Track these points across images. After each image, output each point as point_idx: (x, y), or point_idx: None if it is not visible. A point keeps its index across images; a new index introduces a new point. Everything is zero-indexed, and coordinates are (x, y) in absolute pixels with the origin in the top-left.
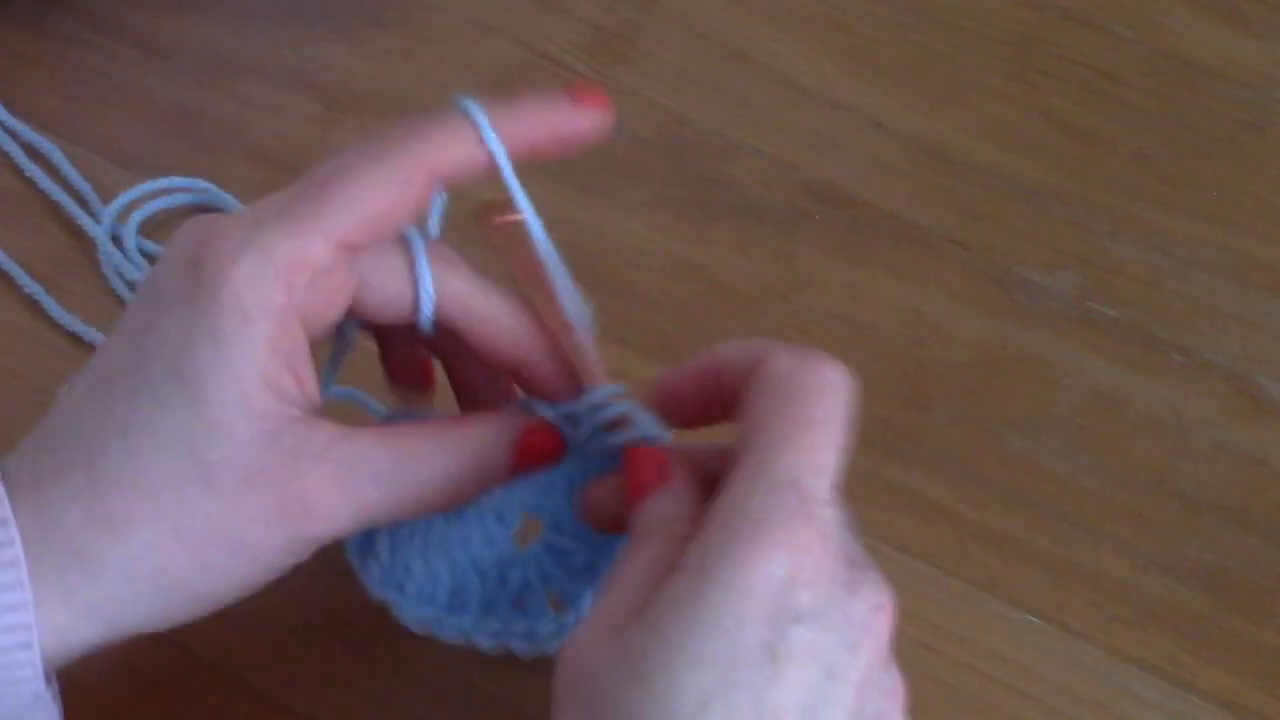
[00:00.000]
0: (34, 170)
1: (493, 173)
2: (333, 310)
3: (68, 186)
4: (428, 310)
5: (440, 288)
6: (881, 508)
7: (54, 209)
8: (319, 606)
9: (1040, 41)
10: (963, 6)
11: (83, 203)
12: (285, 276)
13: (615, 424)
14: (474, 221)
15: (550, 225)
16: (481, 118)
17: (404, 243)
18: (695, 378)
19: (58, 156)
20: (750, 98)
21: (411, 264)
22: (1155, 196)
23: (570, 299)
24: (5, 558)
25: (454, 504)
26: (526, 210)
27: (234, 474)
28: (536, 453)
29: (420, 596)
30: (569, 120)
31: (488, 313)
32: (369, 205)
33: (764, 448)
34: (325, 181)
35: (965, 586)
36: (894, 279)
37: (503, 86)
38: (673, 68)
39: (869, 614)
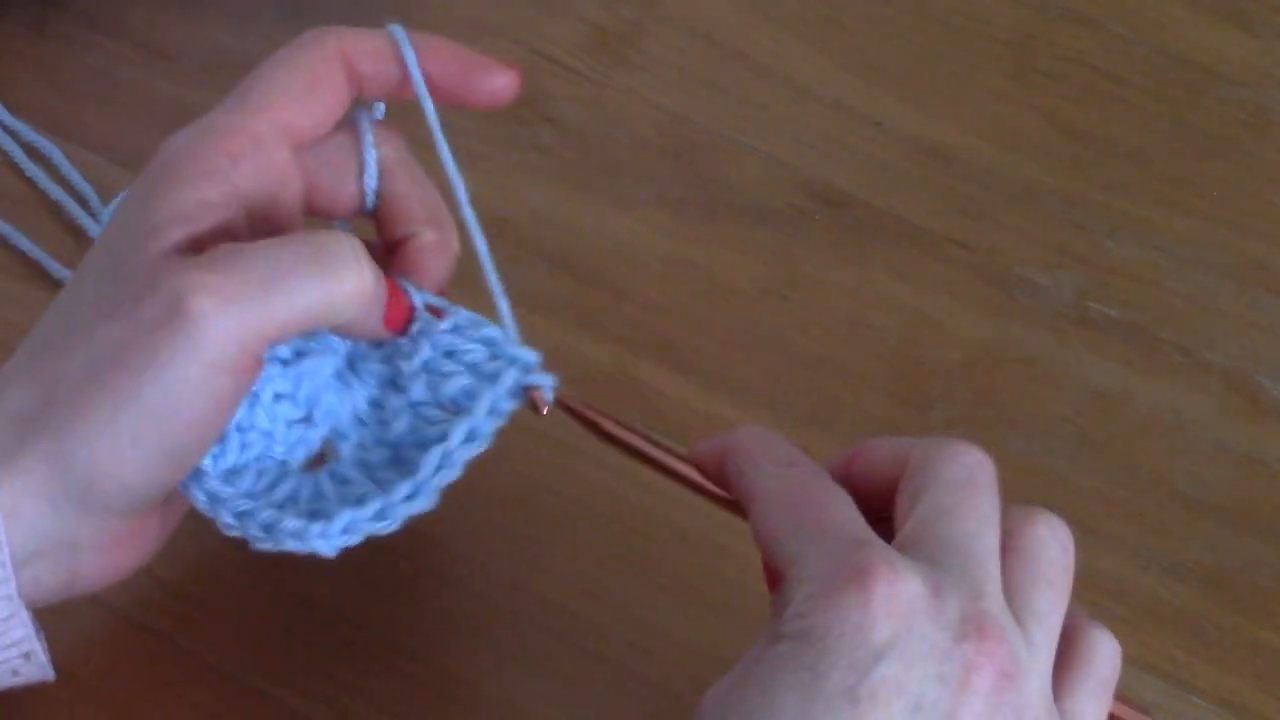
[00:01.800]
0: (34, 170)
1: (408, 89)
2: (283, 196)
3: (68, 186)
4: (373, 180)
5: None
6: None
7: (54, 209)
8: (319, 606)
9: (1040, 41)
10: (963, 6)
11: (83, 203)
12: (223, 141)
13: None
14: None
15: (550, 225)
16: (406, 44)
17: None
18: (715, 454)
19: (58, 156)
20: (750, 98)
21: (358, 145)
22: (1155, 196)
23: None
24: None
25: (340, 318)
26: (434, 124)
27: (128, 296)
28: (401, 322)
29: (216, 471)
30: (480, 71)
31: (407, 184)
32: (298, 85)
33: (788, 527)
34: (254, 73)
35: None
36: (894, 279)
37: None
38: (673, 68)
39: (957, 644)
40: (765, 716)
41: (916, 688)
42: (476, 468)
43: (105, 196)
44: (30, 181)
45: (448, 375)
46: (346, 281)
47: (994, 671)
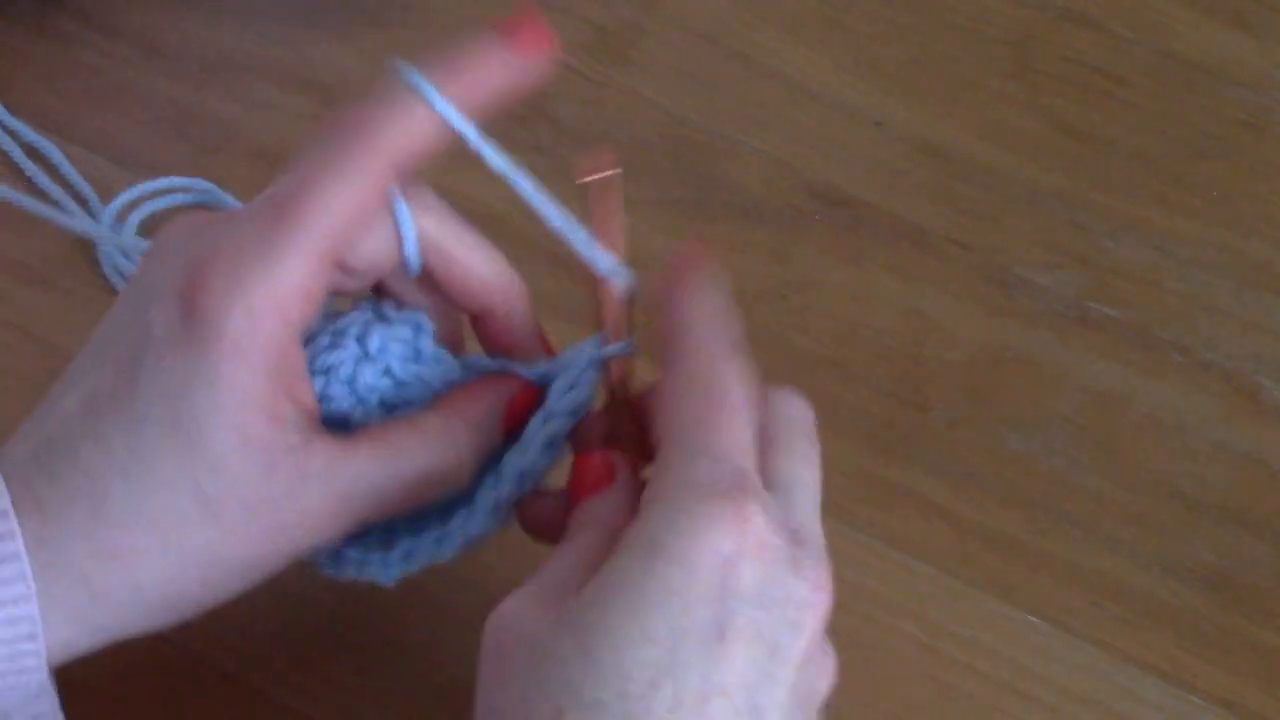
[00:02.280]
0: (34, 170)
1: (454, 140)
2: (319, 304)
3: (68, 186)
4: (413, 247)
5: (419, 231)
6: (881, 508)
7: (53, 209)
8: (319, 607)
9: (1040, 41)
10: (963, 6)
11: (83, 203)
12: (278, 310)
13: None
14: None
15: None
16: (431, 91)
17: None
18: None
19: (58, 156)
20: (750, 98)
21: (392, 216)
22: (1155, 196)
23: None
24: (6, 551)
25: (450, 492)
26: (496, 163)
27: (235, 505)
28: (523, 416)
29: None
30: (511, 68)
31: (459, 252)
32: (341, 216)
33: (690, 430)
34: (295, 201)
35: (965, 586)
36: (894, 279)
37: None
38: (673, 68)
39: (810, 593)
40: (630, 641)
41: (772, 632)
42: None
43: (105, 196)
44: (30, 181)
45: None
46: (453, 471)
47: (822, 616)
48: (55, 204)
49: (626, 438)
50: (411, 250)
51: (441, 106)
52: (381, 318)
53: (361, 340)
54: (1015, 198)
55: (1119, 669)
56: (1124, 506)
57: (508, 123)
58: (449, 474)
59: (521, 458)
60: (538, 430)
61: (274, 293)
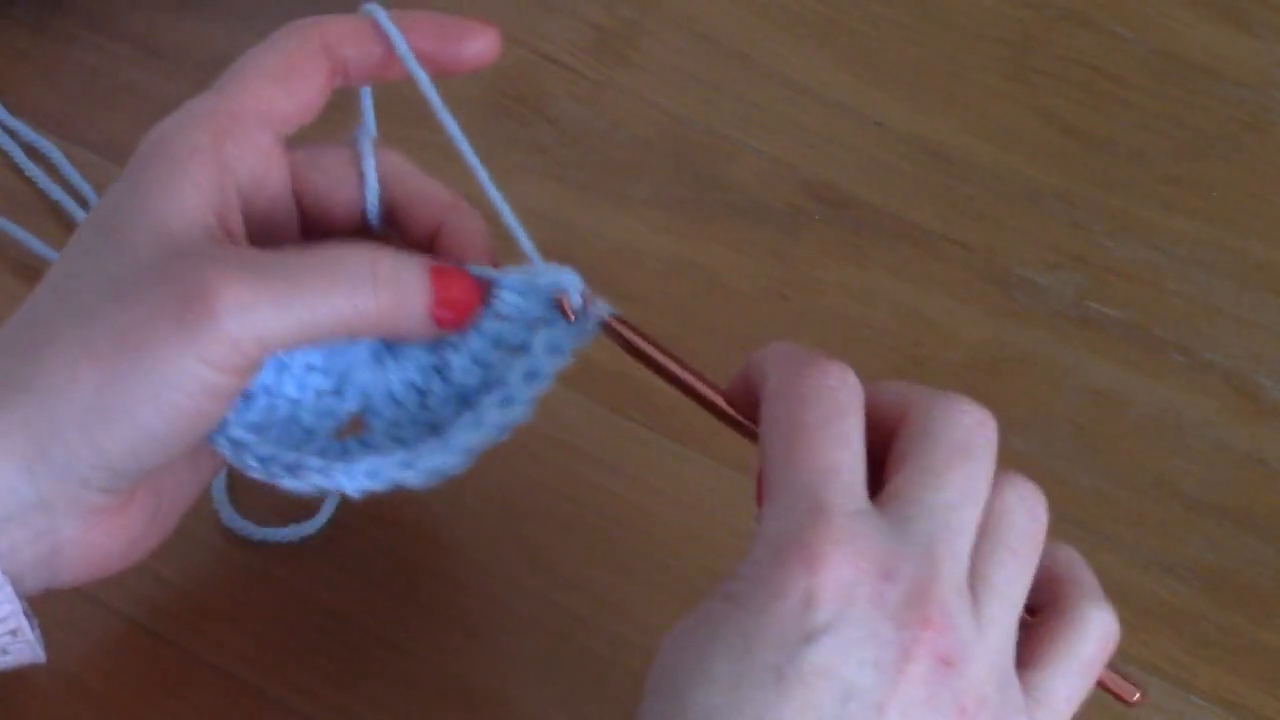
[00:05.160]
0: (34, 170)
1: (393, 66)
2: (268, 182)
3: (68, 186)
4: (374, 191)
5: (380, 169)
6: None
7: (54, 209)
8: (319, 606)
9: (1040, 41)
10: (963, 6)
11: (83, 203)
12: (205, 121)
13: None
14: None
15: (550, 225)
16: (379, 11)
17: (347, 144)
18: (740, 382)
19: (58, 156)
20: (750, 98)
21: (356, 157)
22: (1155, 196)
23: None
24: None
25: (362, 333)
26: (434, 100)
27: (138, 280)
28: (458, 304)
29: (245, 425)
30: (459, 37)
31: (416, 180)
32: (276, 69)
33: (774, 464)
34: (236, 64)
35: None
36: (894, 279)
37: (503, 86)
38: (673, 68)
39: (895, 632)
40: (693, 682)
41: (849, 674)
42: (478, 468)
43: None
44: (30, 181)
45: (496, 363)
46: (361, 301)
47: (933, 658)
48: (55, 204)
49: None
50: (372, 188)
51: (393, 33)
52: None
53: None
54: (1015, 198)
55: (1119, 669)
56: (1124, 506)
57: (508, 123)
58: (353, 318)
59: (506, 411)
60: (519, 380)
61: (202, 107)
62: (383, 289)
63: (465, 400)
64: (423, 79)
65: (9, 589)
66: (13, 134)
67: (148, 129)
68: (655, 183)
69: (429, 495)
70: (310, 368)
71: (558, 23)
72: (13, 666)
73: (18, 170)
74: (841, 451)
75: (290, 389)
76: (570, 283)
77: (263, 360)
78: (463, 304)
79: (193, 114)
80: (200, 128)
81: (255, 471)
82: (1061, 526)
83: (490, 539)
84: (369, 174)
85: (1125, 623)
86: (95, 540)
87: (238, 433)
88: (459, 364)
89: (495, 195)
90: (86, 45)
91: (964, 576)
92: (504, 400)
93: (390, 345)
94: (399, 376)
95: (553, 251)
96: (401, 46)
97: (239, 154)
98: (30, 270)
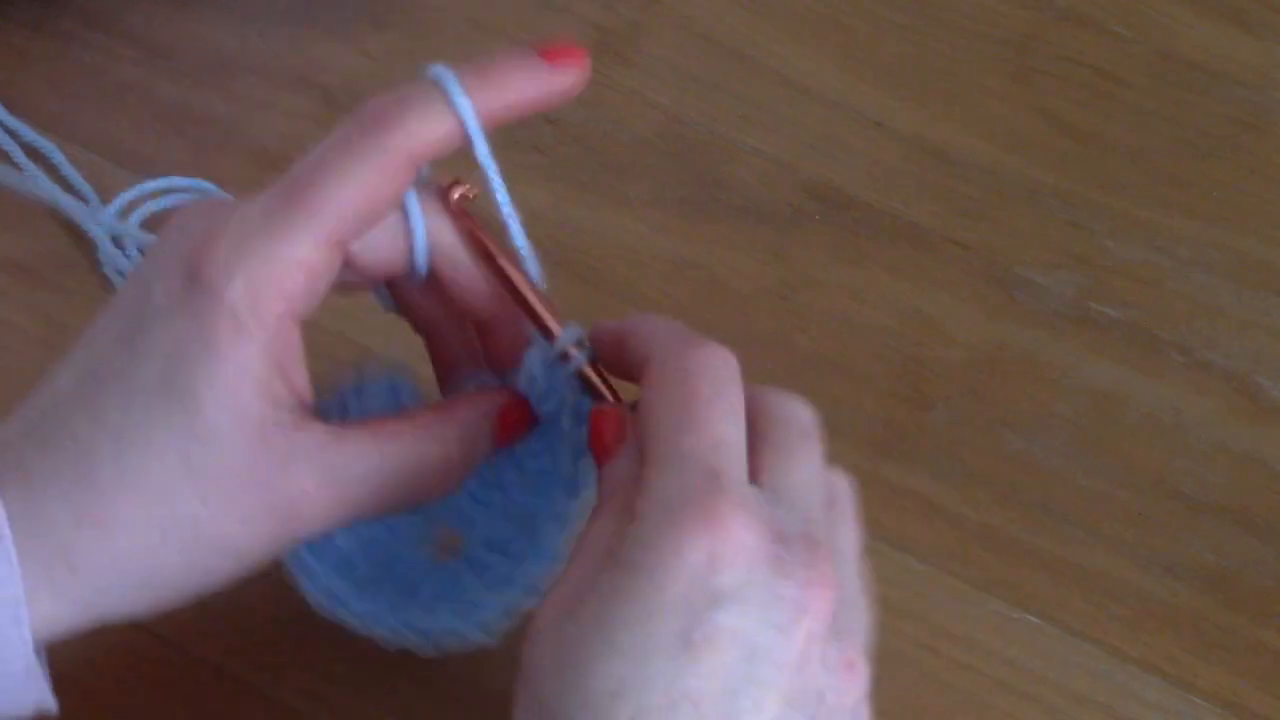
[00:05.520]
0: (34, 170)
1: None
2: (321, 291)
3: (68, 186)
4: (422, 251)
5: (430, 235)
6: (881, 507)
7: (54, 209)
8: None
9: (1040, 41)
10: (963, 6)
11: (83, 202)
12: (280, 284)
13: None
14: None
15: (550, 225)
16: (454, 88)
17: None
18: (616, 340)
19: (58, 156)
20: (750, 98)
21: (404, 214)
22: (1155, 196)
23: (531, 261)
24: None
25: (441, 493)
26: (494, 177)
27: (223, 478)
28: (516, 427)
29: (337, 571)
30: (544, 82)
31: (469, 262)
32: (352, 202)
33: (662, 434)
34: (307, 183)
35: (965, 586)
36: (894, 279)
37: None
38: (673, 68)
39: (800, 591)
40: (598, 655)
41: (753, 634)
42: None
43: (105, 196)
44: (30, 181)
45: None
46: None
47: (824, 617)
48: (55, 205)
49: None
50: (420, 248)
51: (462, 105)
52: (361, 380)
53: (342, 402)
54: (1015, 198)
55: (1119, 669)
56: (1124, 506)
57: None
58: (439, 472)
59: (579, 499)
60: (570, 462)
61: (276, 266)
62: (454, 446)
63: (539, 476)
64: (488, 163)
65: (41, 671)
66: (13, 134)
67: (147, 129)
68: (655, 183)
69: None
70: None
71: (558, 23)
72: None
73: (18, 170)
74: (731, 426)
75: (381, 531)
76: (567, 337)
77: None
78: (520, 425)
79: (267, 262)
80: (275, 289)
81: (390, 642)
82: (1062, 527)
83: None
84: (418, 239)
85: (1125, 622)
86: None
87: (335, 583)
88: (525, 450)
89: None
90: (86, 45)
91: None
92: (569, 491)
93: None
94: (472, 479)
95: (553, 251)
96: (479, 142)
97: (309, 296)
98: (29, 271)
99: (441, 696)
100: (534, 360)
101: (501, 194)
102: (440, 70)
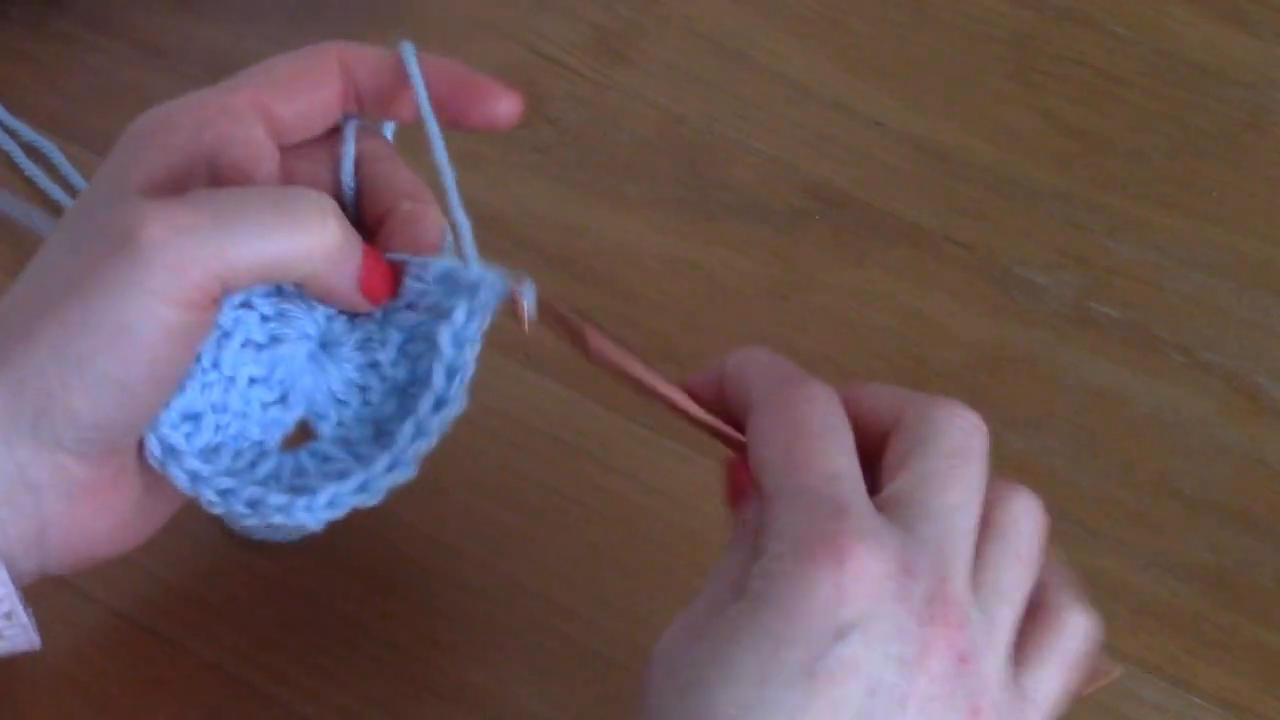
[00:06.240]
0: (34, 170)
1: (407, 106)
2: (255, 174)
3: (68, 187)
4: (349, 174)
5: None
6: None
7: (54, 209)
8: (319, 606)
9: (1040, 41)
10: (963, 6)
11: None
12: (192, 106)
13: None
14: None
15: (550, 225)
16: (404, 45)
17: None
18: (712, 384)
19: (58, 157)
20: (750, 98)
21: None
22: (1155, 196)
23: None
24: None
25: (302, 277)
26: (431, 125)
27: (89, 234)
28: (378, 282)
29: (184, 421)
30: (482, 95)
31: (387, 168)
32: (282, 68)
33: (777, 473)
34: (254, 65)
35: None
36: (894, 279)
37: None
38: (673, 68)
39: (918, 627)
40: (720, 680)
41: (875, 669)
42: (480, 469)
43: None
44: (30, 181)
45: (420, 355)
46: (308, 232)
47: (951, 655)
48: (55, 205)
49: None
50: (348, 172)
51: (414, 72)
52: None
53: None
54: (1015, 198)
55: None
56: (1124, 506)
57: None
58: (299, 255)
59: (442, 412)
60: (443, 378)
61: (202, 101)
62: (330, 233)
63: (402, 392)
64: (432, 125)
65: (3, 571)
66: (13, 134)
67: None
68: (655, 183)
69: (429, 495)
70: (253, 380)
71: (558, 23)
72: (7, 653)
73: (18, 170)
74: (845, 458)
75: (236, 403)
76: (526, 291)
77: (217, 294)
78: (381, 283)
79: (185, 99)
80: (186, 111)
81: (216, 507)
82: (1062, 526)
83: (491, 538)
84: (347, 159)
85: (1125, 622)
86: (82, 520)
87: (193, 463)
88: (387, 359)
89: (454, 198)
90: (86, 45)
91: (970, 577)
92: (437, 403)
93: (325, 346)
94: (338, 375)
95: (553, 251)
96: (419, 87)
97: (220, 140)
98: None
99: (442, 696)
100: (446, 276)
101: (439, 148)
102: (405, 44)
